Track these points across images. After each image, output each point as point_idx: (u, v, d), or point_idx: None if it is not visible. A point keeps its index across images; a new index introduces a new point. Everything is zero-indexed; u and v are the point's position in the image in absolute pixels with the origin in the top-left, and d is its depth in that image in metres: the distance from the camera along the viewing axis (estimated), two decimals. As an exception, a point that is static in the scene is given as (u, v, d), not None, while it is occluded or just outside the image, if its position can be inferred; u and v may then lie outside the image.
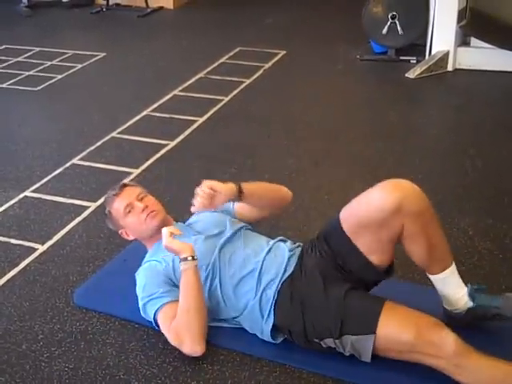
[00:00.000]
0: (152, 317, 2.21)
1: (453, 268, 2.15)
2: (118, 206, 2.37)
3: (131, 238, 2.44)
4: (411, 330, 1.93)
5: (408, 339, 1.93)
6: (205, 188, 2.11)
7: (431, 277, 2.17)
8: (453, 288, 2.16)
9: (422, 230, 2.07)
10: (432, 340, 1.89)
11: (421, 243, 2.08)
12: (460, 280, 2.17)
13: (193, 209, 2.15)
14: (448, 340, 1.88)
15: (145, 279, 2.27)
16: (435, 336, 1.90)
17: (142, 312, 2.28)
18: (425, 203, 2.07)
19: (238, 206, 2.45)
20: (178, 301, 2.18)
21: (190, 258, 2.14)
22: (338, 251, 2.14)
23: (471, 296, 2.15)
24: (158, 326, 2.21)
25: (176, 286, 2.23)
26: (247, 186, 2.22)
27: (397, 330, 1.97)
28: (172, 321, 2.15)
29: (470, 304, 2.14)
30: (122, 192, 2.39)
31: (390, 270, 2.20)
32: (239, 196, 2.20)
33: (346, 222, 2.13)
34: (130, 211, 2.35)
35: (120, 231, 2.44)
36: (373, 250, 2.10)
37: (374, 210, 2.04)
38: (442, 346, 1.88)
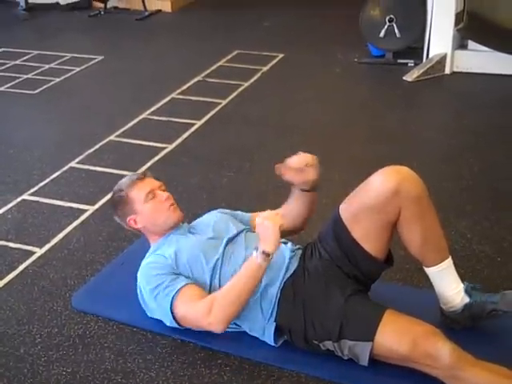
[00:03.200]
0: (168, 304, 2.17)
1: (449, 261, 2.17)
2: (139, 190, 2.34)
3: (138, 226, 2.37)
4: (408, 341, 1.93)
5: (404, 351, 1.94)
6: (312, 159, 2.18)
7: (428, 270, 2.19)
8: (449, 283, 2.17)
9: (418, 215, 2.09)
10: (428, 352, 1.90)
11: (417, 229, 2.11)
12: (457, 275, 2.19)
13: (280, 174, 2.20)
14: (444, 352, 1.88)
15: (150, 272, 2.26)
16: (431, 348, 1.89)
17: (148, 302, 2.27)
18: (423, 189, 2.11)
19: (254, 216, 2.45)
20: (191, 284, 2.18)
21: (271, 257, 2.08)
22: (338, 244, 2.15)
23: (467, 292, 2.16)
24: (173, 311, 2.18)
25: (180, 274, 2.22)
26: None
27: (394, 340, 1.97)
28: (196, 298, 2.13)
29: (467, 300, 2.15)
30: (145, 179, 2.38)
31: (389, 260, 2.22)
32: (310, 188, 2.25)
33: (345, 211, 2.15)
34: (152, 198, 2.33)
35: (129, 218, 2.37)
36: (370, 239, 2.12)
37: (373, 193, 2.08)
38: (438, 358, 1.88)
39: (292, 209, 2.35)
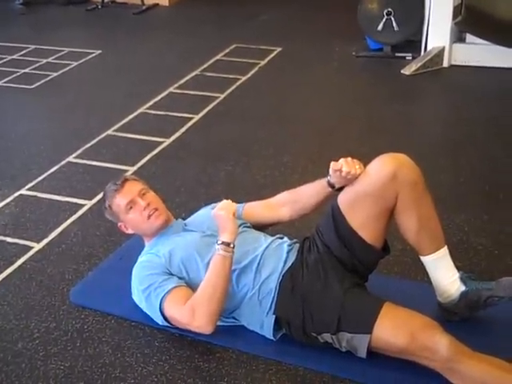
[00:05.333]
0: (158, 304, 2.18)
1: (445, 250, 2.19)
2: (119, 201, 2.33)
3: (130, 231, 2.41)
4: (405, 334, 1.94)
5: (402, 343, 1.94)
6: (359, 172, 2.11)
7: (424, 259, 2.20)
8: (445, 271, 2.19)
9: (414, 201, 2.11)
10: (426, 344, 1.90)
11: (413, 215, 2.12)
12: (452, 264, 2.20)
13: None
14: (442, 344, 1.88)
15: (143, 271, 2.27)
16: (429, 341, 1.90)
17: (140, 302, 2.28)
18: (419, 175, 2.14)
19: (248, 206, 2.46)
20: (182, 286, 2.19)
21: (232, 246, 2.13)
22: (335, 233, 2.16)
23: (463, 281, 2.18)
24: (162, 312, 2.19)
25: (173, 275, 2.23)
26: None
27: (391, 333, 1.97)
28: (184, 300, 2.14)
29: (463, 288, 2.17)
30: (123, 188, 2.34)
31: (385, 249, 2.23)
32: (337, 189, 2.20)
33: (343, 200, 2.16)
34: (131, 208, 2.32)
35: (119, 224, 2.41)
36: (368, 226, 2.13)
37: (370, 180, 2.09)
38: (436, 351, 1.88)
39: (311, 195, 2.31)
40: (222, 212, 2.18)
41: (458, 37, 4.95)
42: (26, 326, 2.38)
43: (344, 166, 2.10)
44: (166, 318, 2.21)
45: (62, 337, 2.31)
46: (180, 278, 2.23)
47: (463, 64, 4.87)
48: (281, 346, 2.19)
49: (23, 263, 2.76)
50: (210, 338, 2.21)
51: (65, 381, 2.11)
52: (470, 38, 4.89)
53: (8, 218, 3.13)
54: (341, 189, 2.19)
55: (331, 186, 2.21)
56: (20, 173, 3.57)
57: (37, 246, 2.87)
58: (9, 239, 2.94)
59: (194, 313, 2.11)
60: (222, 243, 2.13)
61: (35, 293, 2.56)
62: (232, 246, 2.14)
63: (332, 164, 2.13)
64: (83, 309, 2.45)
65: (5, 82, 5.02)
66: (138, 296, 2.29)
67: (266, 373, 2.11)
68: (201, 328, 2.12)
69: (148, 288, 2.22)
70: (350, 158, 2.14)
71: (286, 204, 2.39)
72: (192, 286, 2.20)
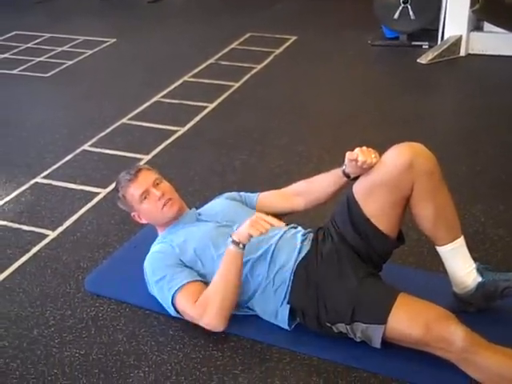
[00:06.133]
0: (170, 297, 2.19)
1: (461, 240, 2.16)
2: (133, 191, 2.32)
3: (144, 221, 2.41)
4: (420, 325, 1.92)
5: (417, 334, 1.93)
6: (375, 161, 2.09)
7: (440, 249, 2.17)
8: (462, 262, 2.16)
9: (430, 191, 2.09)
10: (441, 335, 1.89)
11: (429, 205, 2.10)
12: (469, 255, 2.18)
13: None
14: (457, 335, 1.87)
15: (156, 262, 2.27)
16: (445, 331, 1.89)
17: (153, 292, 2.29)
18: (435, 164, 2.11)
19: (262, 196, 2.45)
20: (195, 281, 2.19)
21: (241, 246, 2.11)
22: (350, 222, 2.14)
23: (479, 271, 2.16)
24: (174, 306, 2.20)
25: (187, 266, 2.23)
26: None
27: (406, 323, 1.96)
28: (195, 296, 2.15)
29: (479, 279, 2.14)
30: (137, 178, 2.33)
31: (400, 238, 2.21)
32: (352, 178, 2.20)
33: (358, 189, 2.14)
34: (145, 197, 2.31)
35: (132, 214, 2.41)
36: (383, 216, 2.11)
37: (386, 168, 2.07)
38: (452, 342, 1.87)
39: (326, 185, 2.30)
40: (252, 220, 2.10)
41: (476, 25, 4.90)
42: (41, 314, 2.39)
43: (360, 155, 2.08)
44: (177, 311, 2.22)
45: (77, 324, 2.32)
46: (194, 270, 2.23)
47: (480, 53, 4.83)
48: (295, 335, 2.19)
49: (38, 251, 2.77)
50: (225, 326, 2.22)
51: (79, 368, 2.13)
52: (487, 26, 4.83)
53: (23, 205, 3.15)
54: (356, 178, 2.18)
55: (346, 175, 2.20)
56: (35, 161, 3.58)
57: (52, 234, 2.89)
58: (24, 227, 2.96)
59: (205, 309, 2.11)
60: (233, 241, 2.12)
61: (50, 280, 2.58)
62: (242, 246, 2.11)
63: (347, 154, 2.11)
64: (98, 297, 2.46)
65: (20, 71, 5.04)
66: (151, 286, 2.29)
67: (279, 362, 2.11)
68: (210, 325, 2.14)
69: (161, 280, 2.22)
70: (365, 147, 2.12)
71: (300, 194, 2.38)
72: (207, 277, 2.21)
